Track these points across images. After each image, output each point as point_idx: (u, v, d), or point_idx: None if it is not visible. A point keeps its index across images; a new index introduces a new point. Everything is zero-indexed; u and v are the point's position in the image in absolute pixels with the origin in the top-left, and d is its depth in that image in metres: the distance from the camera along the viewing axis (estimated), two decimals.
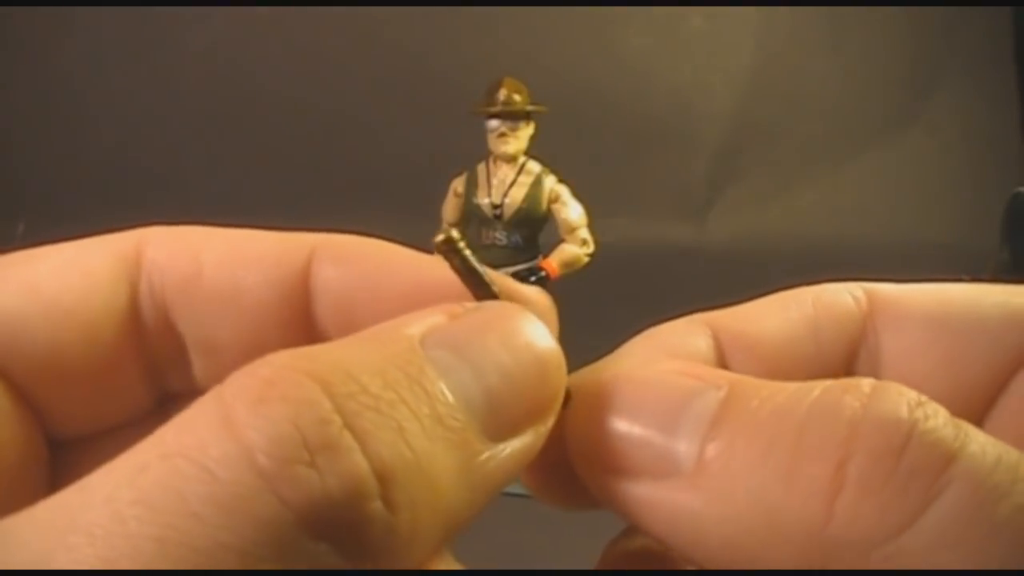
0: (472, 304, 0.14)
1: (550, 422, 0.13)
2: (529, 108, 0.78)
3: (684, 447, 0.13)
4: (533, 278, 0.79)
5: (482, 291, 0.15)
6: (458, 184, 0.81)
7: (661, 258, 1.36)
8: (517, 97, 0.78)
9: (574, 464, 0.14)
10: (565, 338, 0.23)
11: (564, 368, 0.14)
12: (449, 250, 0.15)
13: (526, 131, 0.79)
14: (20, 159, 1.54)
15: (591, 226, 0.80)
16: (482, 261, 0.16)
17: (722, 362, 0.17)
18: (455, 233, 0.15)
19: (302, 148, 1.53)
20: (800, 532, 0.11)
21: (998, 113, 1.57)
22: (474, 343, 0.13)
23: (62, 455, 0.16)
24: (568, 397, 0.14)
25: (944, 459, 0.11)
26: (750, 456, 0.12)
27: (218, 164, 1.53)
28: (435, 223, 0.83)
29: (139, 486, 0.10)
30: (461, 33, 1.50)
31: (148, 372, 0.16)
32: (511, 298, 0.15)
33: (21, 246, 0.16)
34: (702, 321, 0.17)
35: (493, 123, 0.78)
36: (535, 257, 0.80)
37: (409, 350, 0.12)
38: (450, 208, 0.82)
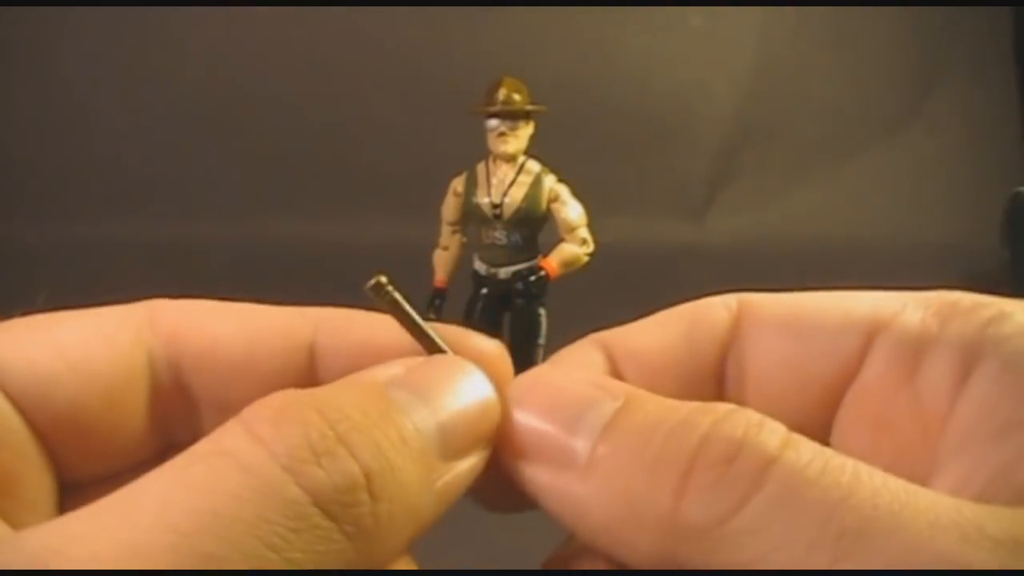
0: (423, 358, 0.18)
1: (490, 448, 0.17)
2: (529, 108, 0.78)
3: (581, 445, 0.16)
4: (533, 277, 0.79)
5: (413, 329, 0.19)
6: (458, 184, 0.81)
7: (661, 258, 1.36)
8: (517, 97, 0.78)
9: (499, 452, 0.18)
10: (565, 337, 0.23)
11: (499, 407, 0.18)
12: (377, 294, 0.19)
13: (526, 131, 0.78)
14: (18, 161, 1.54)
15: (591, 226, 0.80)
16: (414, 305, 0.19)
17: (616, 371, 0.20)
18: (383, 279, 0.19)
19: (302, 148, 1.53)
20: (654, 521, 0.15)
21: (999, 113, 1.57)
22: (429, 387, 0.17)
23: (66, 498, 0.18)
24: None
25: (765, 462, 0.14)
26: (627, 459, 0.15)
27: (217, 165, 1.53)
28: (435, 223, 0.83)
29: (186, 478, 0.13)
30: (461, 33, 1.50)
31: (158, 427, 0.19)
32: (463, 348, 0.19)
33: (43, 310, 0.19)
34: (596, 339, 0.21)
35: (493, 123, 0.78)
36: (535, 257, 0.80)
37: (378, 392, 0.16)
38: (450, 208, 0.82)
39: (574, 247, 0.79)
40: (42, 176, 1.54)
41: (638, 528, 0.15)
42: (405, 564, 0.16)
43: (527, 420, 0.17)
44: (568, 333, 0.24)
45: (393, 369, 0.17)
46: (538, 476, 0.17)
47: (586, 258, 0.79)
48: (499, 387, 0.18)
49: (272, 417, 0.14)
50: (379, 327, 0.19)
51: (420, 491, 0.15)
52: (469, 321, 0.82)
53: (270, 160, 1.53)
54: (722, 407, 0.15)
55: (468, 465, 0.17)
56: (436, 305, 0.82)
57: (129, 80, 1.56)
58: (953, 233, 1.43)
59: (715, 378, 0.20)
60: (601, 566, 0.17)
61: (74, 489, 0.18)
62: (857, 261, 1.20)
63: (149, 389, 0.19)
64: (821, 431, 0.19)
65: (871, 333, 0.18)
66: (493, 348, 0.19)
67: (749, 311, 0.20)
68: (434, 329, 0.19)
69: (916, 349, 0.17)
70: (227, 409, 0.17)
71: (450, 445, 0.16)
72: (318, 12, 1.48)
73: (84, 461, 0.18)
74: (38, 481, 0.18)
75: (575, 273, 0.80)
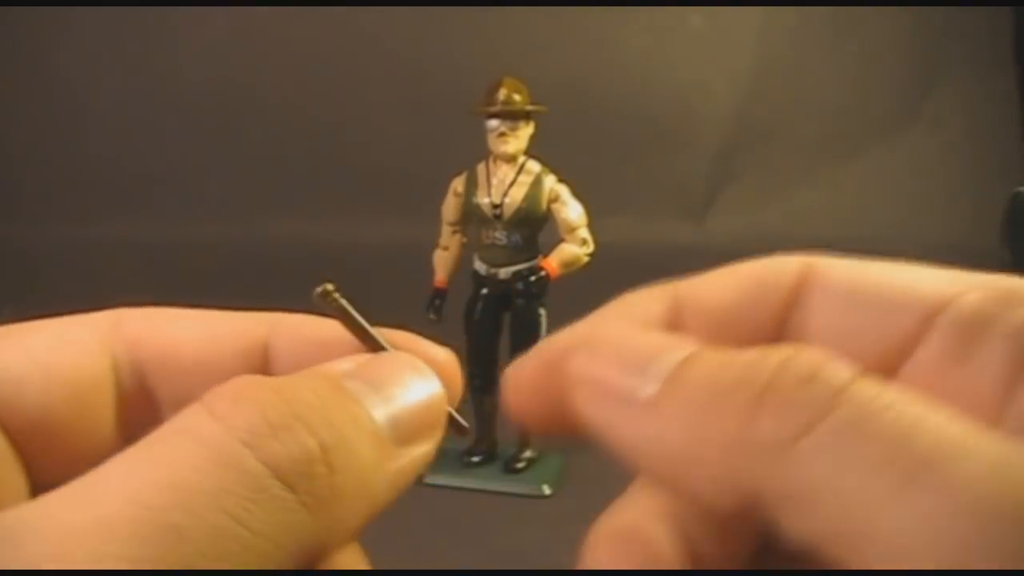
0: (372, 355, 0.19)
1: (438, 437, 0.18)
2: (529, 108, 0.78)
3: (649, 386, 0.16)
4: (533, 278, 0.79)
5: (361, 334, 0.19)
6: (458, 184, 0.81)
7: (661, 258, 1.35)
8: (517, 97, 0.78)
9: (565, 392, 0.18)
10: None
11: (445, 400, 0.19)
12: (324, 301, 0.19)
13: (526, 131, 0.78)
14: (18, 161, 1.54)
15: (591, 226, 0.80)
16: (362, 310, 0.19)
17: (680, 321, 0.20)
18: (330, 286, 0.19)
19: (302, 148, 1.53)
20: (723, 441, 0.15)
21: (999, 113, 1.57)
22: (381, 378, 0.18)
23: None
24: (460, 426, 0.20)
25: (837, 389, 0.14)
26: (698, 390, 0.16)
27: (218, 165, 1.53)
28: (435, 223, 0.83)
29: (150, 455, 0.14)
30: (461, 33, 1.50)
31: (124, 430, 0.20)
32: (415, 354, 0.19)
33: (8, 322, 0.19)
34: (667, 288, 0.21)
35: (493, 123, 0.78)
36: (535, 257, 0.80)
37: (332, 381, 0.17)
38: (450, 208, 0.82)
39: (574, 247, 0.79)
40: (42, 176, 1.54)
41: (706, 449, 0.15)
42: (354, 551, 0.17)
43: (601, 362, 0.17)
44: None
45: (345, 364, 0.18)
46: (600, 411, 0.17)
47: (586, 258, 0.79)
48: (448, 391, 0.19)
49: (231, 397, 0.15)
50: (331, 330, 0.20)
51: (374, 469, 0.16)
52: (469, 321, 0.82)
53: (270, 160, 1.53)
54: (789, 346, 0.16)
55: (419, 452, 0.18)
56: (436, 305, 0.82)
57: (129, 80, 1.56)
58: (953, 233, 1.43)
59: (775, 341, 0.20)
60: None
61: (46, 492, 0.19)
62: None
63: (115, 393, 0.20)
64: None
65: (931, 313, 0.18)
66: (443, 355, 0.20)
67: (816, 273, 0.20)
68: (384, 335, 0.20)
69: (973, 333, 0.17)
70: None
71: (402, 431, 0.17)
72: (318, 12, 1.48)
73: (54, 463, 0.19)
74: (13, 483, 0.18)
75: (575, 273, 0.80)
